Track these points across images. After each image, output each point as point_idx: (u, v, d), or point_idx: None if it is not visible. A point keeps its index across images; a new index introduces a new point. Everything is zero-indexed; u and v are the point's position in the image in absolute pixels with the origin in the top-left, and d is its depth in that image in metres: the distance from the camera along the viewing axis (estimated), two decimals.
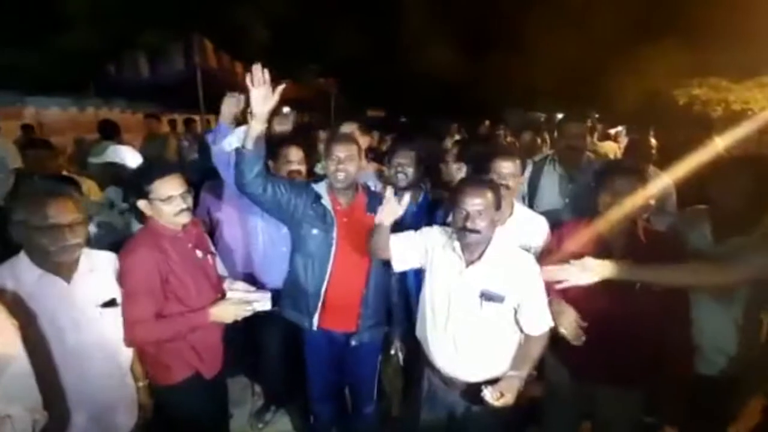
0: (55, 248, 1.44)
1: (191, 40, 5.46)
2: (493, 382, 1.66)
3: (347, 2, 11.71)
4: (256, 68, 1.84)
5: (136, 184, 1.75)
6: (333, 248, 2.03)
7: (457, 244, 1.75)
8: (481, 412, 1.76)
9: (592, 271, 1.65)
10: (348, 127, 2.94)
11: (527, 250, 1.88)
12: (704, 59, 9.94)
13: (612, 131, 11.59)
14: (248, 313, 1.87)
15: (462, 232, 1.68)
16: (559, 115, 2.99)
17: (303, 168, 2.45)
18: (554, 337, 1.79)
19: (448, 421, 1.92)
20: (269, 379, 2.78)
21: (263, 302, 1.90)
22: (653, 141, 3.06)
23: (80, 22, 7.72)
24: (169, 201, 1.70)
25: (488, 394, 1.60)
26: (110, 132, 4.65)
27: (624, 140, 9.38)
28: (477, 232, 1.66)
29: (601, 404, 1.91)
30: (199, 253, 1.87)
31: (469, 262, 1.74)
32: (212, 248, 2.00)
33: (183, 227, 1.80)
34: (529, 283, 1.72)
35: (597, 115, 12.56)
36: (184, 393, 1.83)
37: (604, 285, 1.68)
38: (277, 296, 1.96)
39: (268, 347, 2.62)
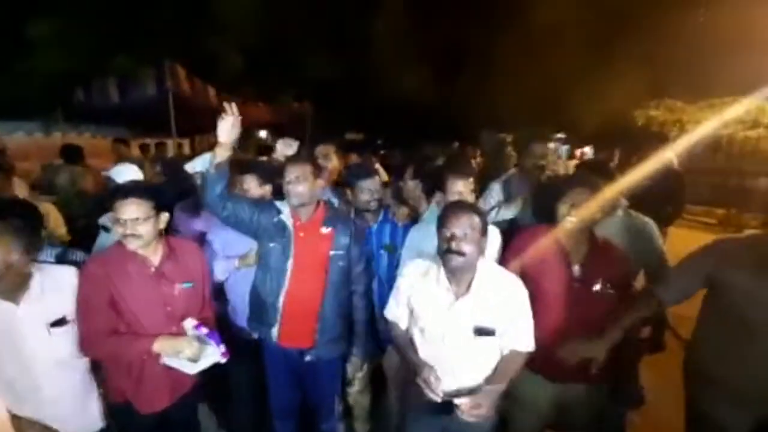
0: None
1: (163, 65, 5.45)
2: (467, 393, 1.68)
3: (321, 27, 11.94)
4: (225, 102, 1.98)
5: (109, 201, 1.78)
6: (290, 261, 2.10)
7: (443, 276, 1.73)
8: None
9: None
10: (324, 149, 3.04)
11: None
12: (660, 83, 10.59)
13: (578, 151, 12.08)
14: (189, 359, 1.76)
15: (447, 255, 1.65)
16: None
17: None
18: None
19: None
20: (237, 411, 2.66)
21: (212, 356, 1.80)
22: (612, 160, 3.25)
23: (48, 46, 7.59)
24: (121, 224, 1.72)
25: (463, 406, 1.61)
26: (74, 156, 4.53)
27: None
28: (462, 254, 1.63)
29: (570, 403, 1.98)
30: (163, 282, 1.81)
31: (458, 295, 1.72)
32: (191, 278, 1.91)
33: (152, 250, 1.80)
34: (517, 308, 1.74)
35: (564, 136, 13.09)
36: (118, 416, 1.86)
37: (573, 291, 1.85)
38: (232, 351, 1.86)
39: (237, 378, 2.50)
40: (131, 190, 1.76)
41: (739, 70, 8.09)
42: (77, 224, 3.04)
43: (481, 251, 1.70)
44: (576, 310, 1.86)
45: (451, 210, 1.71)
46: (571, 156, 10.88)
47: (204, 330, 1.80)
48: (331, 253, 2.11)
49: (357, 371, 2.28)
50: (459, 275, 1.70)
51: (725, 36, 8.90)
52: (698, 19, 10.08)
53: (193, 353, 1.75)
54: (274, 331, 2.14)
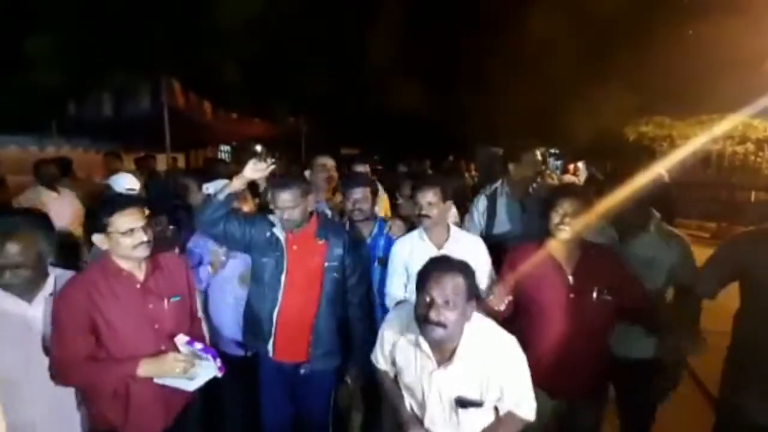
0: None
1: (158, 79, 5.48)
2: None
3: (317, 42, 12.11)
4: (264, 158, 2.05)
5: (96, 217, 1.68)
6: (283, 275, 2.08)
7: (423, 340, 1.50)
8: None
9: None
10: (322, 160, 3.10)
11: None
12: (650, 100, 10.80)
13: (571, 166, 12.21)
14: (184, 377, 1.67)
15: (425, 324, 1.41)
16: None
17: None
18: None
19: None
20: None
21: (208, 370, 1.72)
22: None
23: (43, 61, 7.62)
24: (129, 234, 1.65)
25: None
26: (64, 169, 4.52)
27: (583, 173, 9.89)
28: (443, 326, 1.39)
29: (573, 415, 1.96)
30: (150, 298, 1.74)
31: (440, 363, 1.52)
32: (178, 291, 1.83)
33: (137, 265, 1.73)
34: (512, 374, 1.53)
35: (557, 151, 13.24)
36: None
37: (570, 302, 1.84)
38: (227, 364, 1.80)
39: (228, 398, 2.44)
40: (129, 198, 1.75)
41: (726, 88, 8.27)
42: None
43: (467, 317, 1.46)
44: (574, 321, 1.84)
45: (431, 268, 1.45)
46: (564, 170, 10.97)
47: (198, 345, 1.72)
48: (325, 264, 2.09)
49: (356, 381, 2.22)
50: (441, 343, 1.48)
51: (712, 55, 9.13)
52: (686, 39, 10.34)
53: (185, 370, 1.66)
54: (269, 346, 2.11)
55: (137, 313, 1.70)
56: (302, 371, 2.11)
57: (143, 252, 1.69)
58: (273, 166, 2.07)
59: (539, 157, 2.82)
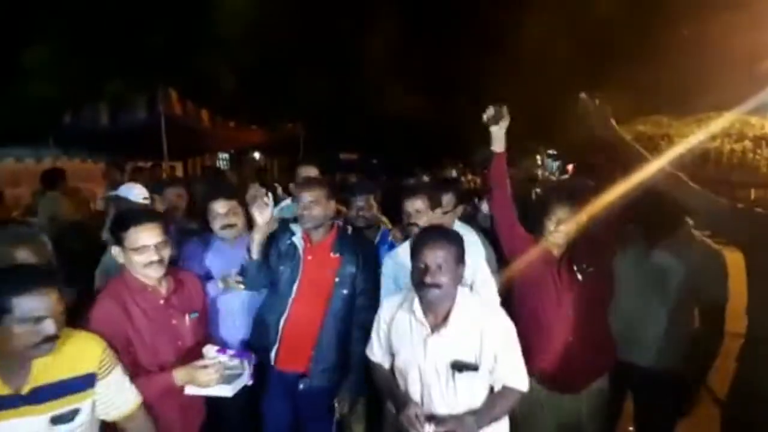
0: None
1: (155, 88, 5.48)
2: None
3: (313, 49, 12.13)
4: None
5: (114, 230, 1.66)
6: (295, 284, 2.07)
7: (417, 307, 1.59)
8: None
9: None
10: (306, 170, 2.97)
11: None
12: (647, 99, 10.83)
13: (570, 166, 12.22)
14: (216, 385, 1.66)
15: (422, 288, 1.52)
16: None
17: (236, 219, 2.31)
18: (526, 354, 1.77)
19: None
20: None
21: (240, 375, 1.73)
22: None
23: (39, 72, 7.62)
24: (140, 251, 1.60)
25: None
26: (53, 182, 4.47)
27: None
28: (437, 286, 1.50)
29: (578, 413, 1.97)
30: (174, 314, 1.73)
31: (434, 327, 1.58)
32: (196, 308, 1.85)
33: (158, 281, 1.69)
34: (502, 340, 1.59)
35: (555, 152, 13.26)
36: None
37: (558, 293, 1.91)
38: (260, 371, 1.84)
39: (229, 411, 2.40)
40: (148, 214, 1.70)
41: (723, 86, 8.29)
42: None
43: (458, 280, 1.58)
44: (567, 307, 1.89)
45: (423, 238, 1.58)
46: (563, 171, 10.99)
47: (230, 351, 1.74)
48: (336, 280, 2.07)
49: (343, 408, 2.12)
50: (435, 308, 1.57)
51: (708, 53, 9.17)
52: (682, 38, 10.38)
53: (220, 377, 1.66)
54: (272, 354, 2.10)
55: (163, 329, 1.68)
56: (301, 386, 2.08)
57: (154, 272, 1.64)
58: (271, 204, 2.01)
59: (538, 161, 2.82)
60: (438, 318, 1.59)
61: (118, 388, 1.44)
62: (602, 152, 2.15)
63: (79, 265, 2.44)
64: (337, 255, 2.09)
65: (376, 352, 1.79)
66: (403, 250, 2.17)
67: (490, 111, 2.01)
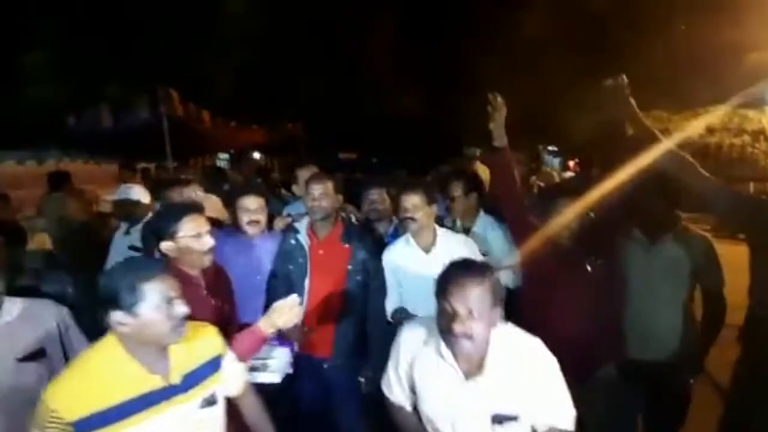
0: None
1: (156, 89, 5.50)
2: None
3: (312, 49, 12.14)
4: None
5: (160, 225, 1.69)
6: (306, 279, 2.18)
7: (446, 351, 1.35)
8: None
9: None
10: (306, 171, 2.99)
11: None
12: (646, 94, 10.84)
13: (571, 162, 12.22)
14: (267, 371, 1.80)
15: (449, 336, 1.29)
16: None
17: (262, 217, 2.36)
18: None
19: None
20: None
21: (284, 366, 1.87)
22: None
23: (41, 75, 7.65)
24: (198, 238, 1.67)
25: None
26: (58, 183, 4.51)
27: None
28: (469, 338, 1.27)
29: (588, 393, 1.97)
30: (215, 300, 1.80)
31: (468, 375, 1.36)
32: (230, 296, 1.95)
33: (201, 271, 1.76)
34: (545, 382, 1.38)
35: (555, 149, 13.26)
36: None
37: (567, 283, 1.93)
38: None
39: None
40: (192, 205, 1.78)
41: (721, 80, 8.31)
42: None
43: (494, 324, 1.33)
44: (575, 297, 1.91)
45: (452, 275, 1.30)
46: (564, 167, 10.99)
47: (273, 342, 1.85)
48: (349, 268, 2.17)
49: (369, 385, 2.18)
50: (467, 356, 1.34)
51: (706, 47, 9.18)
52: (680, 33, 10.39)
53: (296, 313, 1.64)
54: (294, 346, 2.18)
55: (210, 315, 1.71)
56: (326, 366, 2.19)
57: (208, 259, 1.71)
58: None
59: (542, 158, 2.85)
60: (472, 365, 1.36)
61: (233, 365, 1.50)
62: (614, 141, 2.14)
63: (86, 263, 2.51)
64: (348, 245, 2.19)
65: (395, 392, 1.56)
66: (399, 245, 2.26)
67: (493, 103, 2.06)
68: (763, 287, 1.75)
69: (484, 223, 2.58)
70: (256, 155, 12.97)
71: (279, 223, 2.49)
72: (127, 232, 2.87)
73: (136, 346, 1.23)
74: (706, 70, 9.30)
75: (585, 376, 1.97)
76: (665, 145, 1.80)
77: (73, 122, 6.20)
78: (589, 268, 1.94)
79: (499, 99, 2.07)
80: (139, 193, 2.96)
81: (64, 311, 1.66)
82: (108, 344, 1.24)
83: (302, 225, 2.26)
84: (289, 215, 2.57)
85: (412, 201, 2.10)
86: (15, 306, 1.54)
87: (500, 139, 2.10)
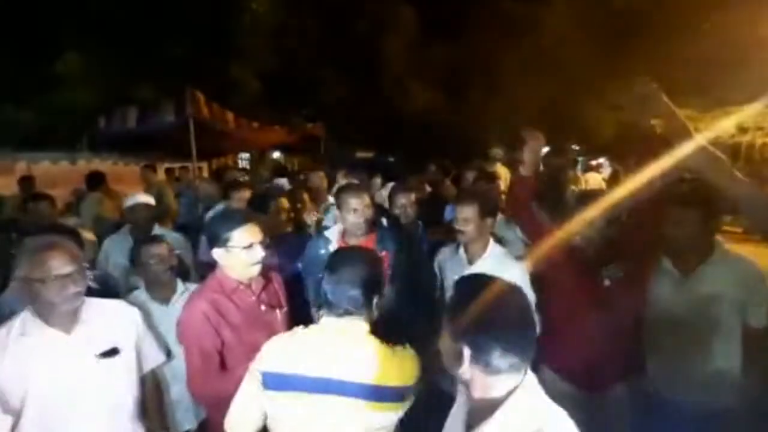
0: (59, 299, 1.44)
1: (183, 92, 5.65)
2: None
3: (332, 49, 12.23)
4: None
5: (214, 231, 1.69)
6: None
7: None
8: None
9: None
10: (318, 177, 3.12)
11: None
12: (674, 92, 10.51)
13: (594, 162, 11.97)
14: None
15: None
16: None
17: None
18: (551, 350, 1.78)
19: None
20: None
21: None
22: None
23: (73, 79, 7.95)
24: (250, 249, 1.65)
25: None
26: (94, 183, 4.67)
27: (606, 170, 9.68)
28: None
29: (599, 408, 1.94)
30: (264, 308, 1.77)
31: None
32: (283, 303, 1.89)
33: (249, 279, 1.73)
34: None
35: (577, 148, 12.99)
36: None
37: (583, 295, 1.88)
38: None
39: None
40: (249, 214, 1.79)
41: (751, 77, 8.01)
42: None
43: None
44: (594, 310, 1.86)
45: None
46: (586, 168, 10.80)
47: None
48: (389, 273, 2.07)
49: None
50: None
51: (734, 44, 8.86)
52: (706, 30, 10.05)
53: None
54: None
55: (258, 324, 1.71)
56: None
57: (257, 270, 1.69)
58: None
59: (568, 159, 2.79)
60: None
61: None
62: (645, 141, 2.03)
63: None
64: (384, 252, 2.09)
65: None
66: (450, 249, 2.27)
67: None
68: None
69: (499, 223, 2.60)
70: (276, 155, 13.14)
71: (309, 218, 2.48)
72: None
73: None
74: (738, 67, 8.96)
75: (597, 389, 1.94)
76: (698, 141, 1.56)
77: (103, 124, 6.43)
78: (607, 282, 1.86)
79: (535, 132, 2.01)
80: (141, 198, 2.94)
81: (135, 310, 1.74)
82: None
83: (332, 233, 2.17)
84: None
85: (465, 214, 2.06)
86: (91, 306, 1.59)
87: (530, 169, 2.03)
